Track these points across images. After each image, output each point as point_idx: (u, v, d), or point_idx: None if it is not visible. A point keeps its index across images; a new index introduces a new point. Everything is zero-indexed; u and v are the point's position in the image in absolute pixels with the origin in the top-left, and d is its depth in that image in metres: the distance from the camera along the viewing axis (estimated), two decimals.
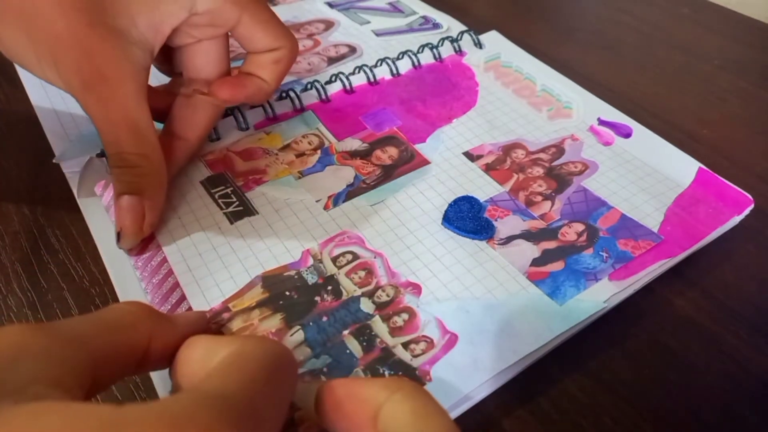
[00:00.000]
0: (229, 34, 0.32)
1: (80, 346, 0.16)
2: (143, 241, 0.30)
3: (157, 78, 0.35)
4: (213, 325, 0.26)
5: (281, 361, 0.17)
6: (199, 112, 0.33)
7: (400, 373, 0.25)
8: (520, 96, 0.41)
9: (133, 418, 0.13)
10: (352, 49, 0.46)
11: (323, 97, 0.40)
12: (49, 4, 0.27)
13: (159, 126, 0.33)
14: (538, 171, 0.35)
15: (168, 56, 0.33)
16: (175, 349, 0.19)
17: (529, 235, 0.31)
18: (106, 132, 0.28)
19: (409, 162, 0.35)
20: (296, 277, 0.29)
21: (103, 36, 0.27)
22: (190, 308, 0.27)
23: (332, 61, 0.44)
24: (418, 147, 0.36)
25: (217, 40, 0.32)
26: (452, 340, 0.26)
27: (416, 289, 0.28)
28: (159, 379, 0.25)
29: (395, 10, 0.50)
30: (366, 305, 0.28)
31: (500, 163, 0.35)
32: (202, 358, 0.18)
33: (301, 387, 0.19)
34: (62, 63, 0.27)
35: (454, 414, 0.24)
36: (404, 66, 0.42)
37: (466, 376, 0.25)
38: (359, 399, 0.17)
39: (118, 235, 0.29)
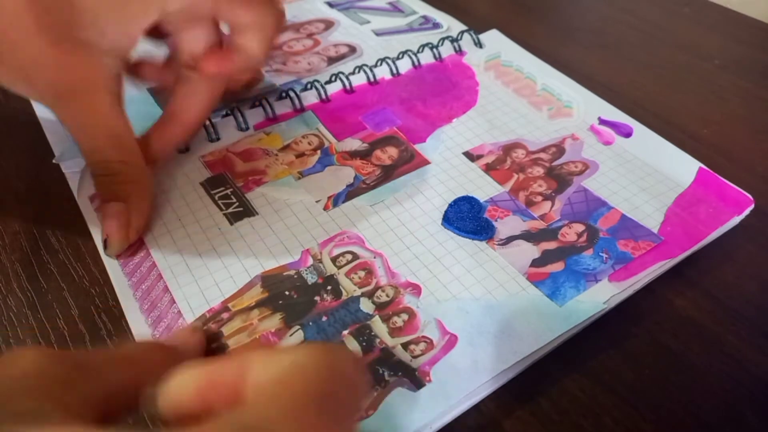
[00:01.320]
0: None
1: (95, 377, 0.16)
2: (131, 247, 0.30)
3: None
4: (213, 324, 0.27)
5: (341, 376, 0.15)
6: (195, 94, 0.32)
7: (400, 373, 0.25)
8: (521, 95, 0.41)
9: None
10: (352, 49, 0.45)
11: (323, 97, 0.39)
12: (15, 30, 0.26)
13: (149, 126, 0.33)
14: (539, 171, 0.35)
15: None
16: None
17: (529, 236, 0.31)
18: (84, 142, 0.29)
19: (409, 162, 0.35)
20: (296, 276, 0.29)
21: (70, 51, 0.27)
22: (179, 312, 0.27)
23: (332, 60, 0.44)
24: (418, 147, 0.36)
25: (201, 26, 0.31)
26: (452, 341, 0.26)
27: (416, 289, 0.28)
28: None
29: (395, 9, 0.50)
30: (366, 305, 0.27)
31: (500, 163, 0.35)
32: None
33: None
34: (35, 83, 0.27)
35: (454, 414, 0.24)
36: (404, 66, 0.42)
37: (466, 377, 0.25)
38: (222, 384, 0.15)
39: (105, 242, 0.29)
